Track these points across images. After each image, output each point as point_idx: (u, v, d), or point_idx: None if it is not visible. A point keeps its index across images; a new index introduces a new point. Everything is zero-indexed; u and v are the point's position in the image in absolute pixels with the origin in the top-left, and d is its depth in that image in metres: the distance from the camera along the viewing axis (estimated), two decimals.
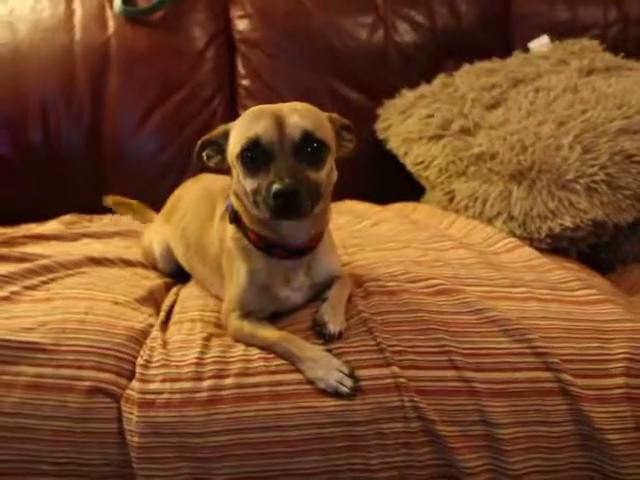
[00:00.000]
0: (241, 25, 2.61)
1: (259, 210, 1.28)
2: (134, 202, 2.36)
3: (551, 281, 1.58)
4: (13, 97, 2.47)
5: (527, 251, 1.75)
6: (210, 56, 2.58)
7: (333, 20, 2.60)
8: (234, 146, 1.30)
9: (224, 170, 1.45)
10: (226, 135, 1.36)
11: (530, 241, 1.81)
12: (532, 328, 1.37)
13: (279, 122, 1.24)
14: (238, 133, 1.30)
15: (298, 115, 1.26)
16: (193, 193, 1.80)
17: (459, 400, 1.27)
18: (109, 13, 2.54)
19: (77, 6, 2.54)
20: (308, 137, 1.25)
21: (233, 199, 1.41)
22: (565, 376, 1.29)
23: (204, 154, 1.41)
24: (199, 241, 1.63)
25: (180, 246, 1.75)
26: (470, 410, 1.26)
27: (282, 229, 1.36)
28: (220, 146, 1.38)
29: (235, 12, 2.63)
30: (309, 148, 1.26)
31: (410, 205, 2.31)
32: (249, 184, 1.28)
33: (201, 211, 1.66)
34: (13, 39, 2.50)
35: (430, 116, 2.28)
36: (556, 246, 1.81)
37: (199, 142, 1.40)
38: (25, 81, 2.47)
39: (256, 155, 1.25)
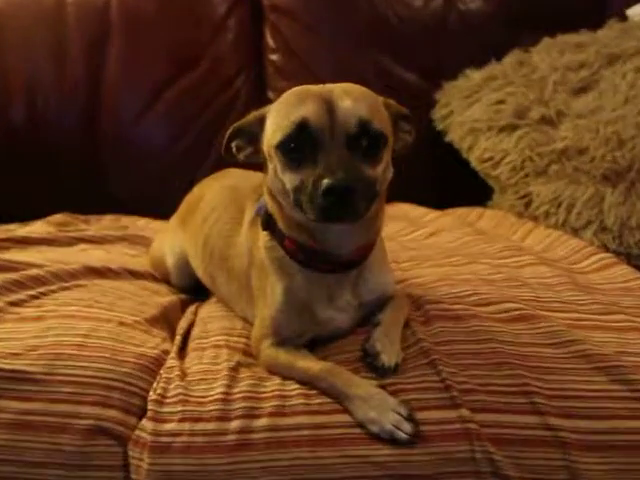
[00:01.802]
0: None
1: (302, 211, 1.27)
2: None
3: None
4: None
5: (624, 270, 1.74)
6: (232, 24, 2.62)
7: None
8: (273, 133, 1.30)
9: (255, 165, 1.46)
10: (261, 122, 1.36)
11: (627, 257, 1.81)
12: (634, 366, 1.35)
13: (329, 106, 1.24)
14: (278, 118, 1.30)
15: (351, 99, 1.26)
16: (216, 193, 1.80)
17: (543, 452, 1.25)
18: None
19: None
20: (364, 127, 1.25)
21: (267, 199, 1.42)
22: None
23: (233, 145, 1.41)
24: (223, 252, 1.65)
25: (199, 257, 1.76)
26: (557, 466, 1.24)
27: (326, 236, 1.36)
28: (253, 135, 1.38)
29: None
30: (365, 139, 1.26)
31: (475, 211, 2.32)
32: (290, 179, 1.27)
33: (227, 215, 1.67)
34: None
35: (501, 102, 2.28)
36: None
37: (230, 129, 1.40)
38: (6, 48, 2.52)
39: (301, 144, 1.25)
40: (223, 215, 1.69)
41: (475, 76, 2.47)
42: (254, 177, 1.57)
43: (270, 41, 2.65)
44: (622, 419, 1.28)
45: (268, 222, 1.43)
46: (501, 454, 1.24)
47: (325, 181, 1.17)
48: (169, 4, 2.59)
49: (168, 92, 2.56)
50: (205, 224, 1.74)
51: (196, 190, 1.96)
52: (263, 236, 1.46)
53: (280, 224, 1.40)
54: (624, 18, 2.47)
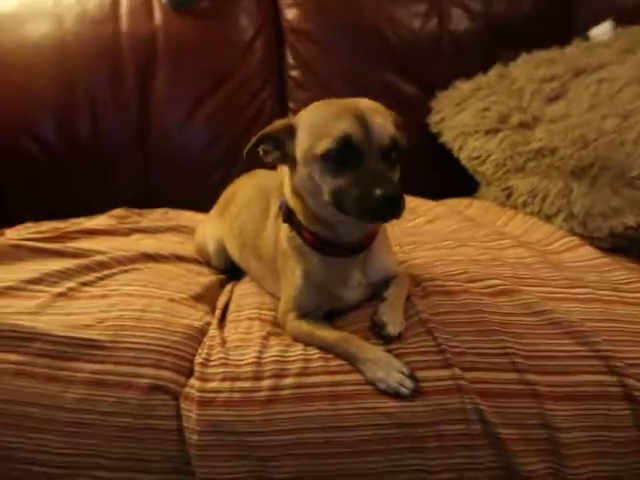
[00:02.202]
0: (290, 14, 2.66)
1: (340, 210, 1.30)
2: None
3: (614, 282, 1.59)
4: (61, 89, 2.55)
5: (588, 250, 1.76)
6: (258, 46, 2.63)
7: (385, 9, 2.63)
8: (313, 143, 1.29)
9: (274, 166, 1.50)
10: (290, 130, 1.36)
11: (591, 240, 1.82)
12: (595, 330, 1.38)
13: (363, 122, 1.27)
14: (318, 130, 1.30)
15: (380, 117, 1.30)
16: (247, 190, 1.83)
17: (521, 403, 1.29)
18: (155, 3, 2.61)
19: None
20: (394, 142, 1.29)
21: (289, 196, 1.44)
22: (630, 380, 1.30)
23: (260, 149, 1.39)
24: (254, 240, 1.68)
25: (235, 244, 1.80)
26: (532, 413, 1.28)
27: (339, 228, 1.40)
28: (280, 142, 1.37)
29: (284, 1, 2.67)
30: (394, 152, 1.30)
31: (465, 201, 2.34)
32: (330, 183, 1.29)
33: (256, 210, 1.69)
34: (60, 31, 2.58)
35: (486, 109, 2.29)
36: (617, 245, 1.80)
37: (257, 136, 1.38)
38: (72, 73, 2.55)
39: (344, 155, 1.26)
40: (253, 209, 1.72)
41: (464, 87, 2.48)
42: (277, 177, 1.58)
43: (290, 60, 2.67)
44: (585, 374, 1.32)
45: (289, 216, 1.46)
46: (486, 405, 1.28)
47: (378, 191, 1.20)
48: (205, 31, 2.61)
49: (205, 105, 2.58)
50: (239, 216, 1.78)
51: (230, 187, 2.00)
52: (284, 228, 1.49)
53: (301, 218, 1.43)
54: (588, 37, 2.49)
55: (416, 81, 2.62)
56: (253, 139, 1.38)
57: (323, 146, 1.27)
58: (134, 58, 2.57)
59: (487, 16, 2.63)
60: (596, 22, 2.52)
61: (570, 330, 1.39)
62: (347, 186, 1.26)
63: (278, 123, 1.38)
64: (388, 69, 2.62)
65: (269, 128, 1.38)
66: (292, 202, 1.44)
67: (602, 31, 2.46)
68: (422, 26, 2.63)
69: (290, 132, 1.36)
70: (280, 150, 1.38)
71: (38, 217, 2.40)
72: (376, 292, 1.51)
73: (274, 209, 1.58)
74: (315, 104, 1.38)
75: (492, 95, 2.34)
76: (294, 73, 2.66)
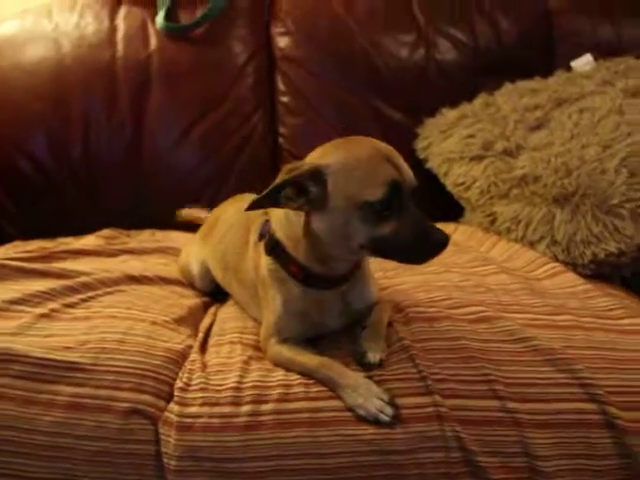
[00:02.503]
0: (282, 42, 2.64)
1: (384, 254, 1.28)
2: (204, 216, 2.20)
3: (596, 309, 1.55)
4: (55, 110, 2.52)
5: (570, 277, 1.73)
6: (250, 72, 2.61)
7: (374, 38, 2.61)
8: (358, 191, 1.21)
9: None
10: (316, 176, 1.24)
11: (573, 266, 1.78)
12: (577, 358, 1.34)
13: (397, 166, 1.24)
14: (359, 175, 1.22)
15: (404, 162, 1.27)
16: (230, 215, 1.78)
17: (501, 431, 1.24)
18: (151, 29, 2.59)
19: (120, 22, 2.60)
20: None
21: (289, 234, 1.36)
22: (611, 409, 1.26)
23: (282, 196, 1.25)
24: (236, 265, 1.63)
25: (218, 267, 1.75)
26: (512, 441, 1.24)
27: (339, 264, 1.37)
28: (302, 187, 1.25)
29: (276, 29, 2.66)
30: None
31: (450, 226, 2.29)
32: (373, 231, 1.23)
33: (237, 236, 1.64)
34: (57, 54, 2.55)
35: (471, 136, 2.27)
36: (600, 272, 1.77)
37: (278, 182, 1.24)
38: (68, 95, 2.52)
39: (391, 202, 1.21)
40: (234, 234, 1.66)
41: (450, 115, 2.46)
42: None
43: (281, 86, 2.65)
44: (566, 402, 1.28)
45: (273, 249, 1.40)
46: (466, 432, 1.23)
47: (438, 237, 1.22)
48: (199, 57, 2.58)
49: (197, 128, 2.55)
50: (222, 240, 1.73)
51: (216, 211, 1.96)
52: (266, 259, 1.43)
53: (297, 254, 1.36)
54: (569, 68, 2.47)
55: (403, 108, 2.60)
56: (271, 187, 1.23)
57: (373, 194, 1.20)
58: (129, 81, 2.54)
59: (473, 46, 2.60)
60: (578, 54, 2.50)
61: (551, 357, 1.34)
62: (392, 233, 1.22)
63: (301, 169, 1.24)
64: (376, 96, 2.59)
65: (294, 174, 1.23)
66: (292, 240, 1.36)
67: (583, 62, 2.45)
68: (409, 55, 2.60)
69: (316, 178, 1.24)
70: (304, 197, 1.26)
71: (28, 235, 2.35)
72: (358, 319, 1.46)
73: (254, 237, 1.52)
74: (335, 146, 1.30)
75: (477, 123, 2.31)
76: (285, 99, 2.64)
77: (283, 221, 1.38)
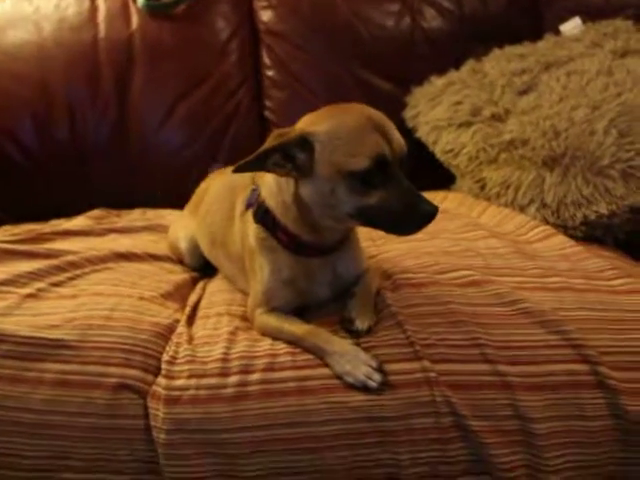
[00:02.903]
0: (265, 16, 2.60)
1: (372, 224, 1.27)
2: None
3: (586, 270, 1.53)
4: (39, 94, 2.48)
5: (561, 239, 1.71)
6: (234, 48, 2.57)
7: (359, 9, 2.57)
8: (343, 160, 1.20)
9: None
10: (303, 143, 1.23)
11: (564, 229, 1.77)
12: (567, 319, 1.33)
13: (387, 137, 1.21)
14: (345, 144, 1.20)
15: (396, 131, 1.25)
16: (217, 187, 1.75)
17: (492, 394, 1.23)
18: (132, 9, 2.55)
19: (101, 3, 2.55)
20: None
21: (279, 202, 1.34)
22: (602, 369, 1.25)
23: (270, 163, 1.24)
24: (223, 238, 1.61)
25: (205, 242, 1.73)
26: (504, 404, 1.23)
27: (329, 234, 1.36)
28: (289, 154, 1.24)
29: (259, 3, 2.62)
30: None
31: (440, 194, 2.27)
32: (359, 201, 1.22)
33: (224, 208, 1.62)
34: (39, 37, 2.51)
35: (459, 103, 2.24)
36: (591, 234, 1.76)
37: (266, 148, 1.23)
38: (51, 78, 2.48)
39: (376, 173, 1.19)
40: (220, 207, 1.64)
41: (438, 82, 2.42)
42: (246, 175, 1.45)
43: (266, 59, 2.61)
44: (557, 363, 1.27)
45: (262, 217, 1.38)
46: (457, 397, 1.22)
47: (425, 207, 1.20)
48: (182, 35, 2.54)
49: (183, 105, 2.52)
50: (208, 214, 1.70)
51: (203, 184, 1.93)
52: (254, 228, 1.41)
53: (287, 222, 1.34)
54: (558, 33, 2.43)
55: (391, 78, 2.56)
56: (258, 152, 1.23)
57: (357, 164, 1.19)
58: (112, 62, 2.50)
59: (459, 13, 2.56)
60: (566, 18, 2.46)
61: (542, 319, 1.33)
62: (379, 203, 1.21)
63: (287, 136, 1.24)
64: (363, 67, 2.55)
65: (281, 140, 1.23)
66: (282, 207, 1.34)
67: (572, 26, 2.41)
68: (395, 24, 2.56)
69: (303, 145, 1.23)
70: (291, 163, 1.25)
71: (17, 220, 2.32)
72: (347, 287, 1.44)
73: (240, 207, 1.50)
74: (325, 113, 1.28)
75: (465, 89, 2.28)
76: (270, 73, 2.60)
77: (273, 188, 1.36)
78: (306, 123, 1.27)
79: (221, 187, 1.72)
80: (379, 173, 1.20)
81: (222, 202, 1.65)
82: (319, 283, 1.42)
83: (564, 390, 1.24)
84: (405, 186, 1.21)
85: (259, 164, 1.24)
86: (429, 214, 1.20)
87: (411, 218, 1.22)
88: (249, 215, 1.42)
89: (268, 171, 1.26)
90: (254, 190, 1.43)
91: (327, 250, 1.39)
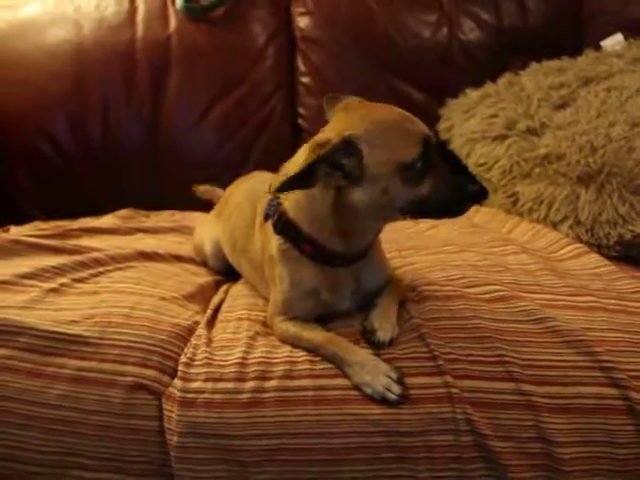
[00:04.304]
0: (302, 22, 2.61)
1: (425, 214, 1.27)
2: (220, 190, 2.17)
3: (619, 291, 1.47)
4: (76, 92, 2.51)
5: (594, 258, 1.65)
6: (270, 53, 2.58)
7: (396, 18, 2.56)
8: (393, 155, 1.18)
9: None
10: (349, 147, 1.18)
11: (598, 248, 1.71)
12: (597, 340, 1.28)
13: (420, 125, 1.23)
14: (391, 139, 1.19)
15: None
16: (241, 193, 1.73)
17: (515, 414, 1.19)
18: (171, 10, 2.57)
19: (140, 3, 2.58)
20: None
21: (308, 214, 1.30)
22: (633, 394, 1.19)
23: (321, 173, 1.17)
24: (244, 245, 1.58)
25: (228, 246, 1.71)
26: (527, 426, 1.18)
27: (360, 240, 1.32)
28: (336, 162, 1.18)
29: (296, 9, 2.63)
30: None
31: (472, 208, 2.22)
32: (414, 192, 1.20)
33: (245, 215, 1.59)
34: (78, 36, 2.55)
35: (494, 116, 2.20)
36: (626, 254, 1.69)
37: (314, 160, 1.15)
38: (88, 76, 2.51)
39: (426, 160, 1.19)
40: (242, 214, 1.61)
41: (473, 95, 2.39)
42: (269, 180, 1.38)
43: (301, 66, 2.61)
44: (584, 386, 1.21)
45: (284, 229, 1.34)
46: (478, 415, 1.18)
47: (474, 187, 1.25)
48: (219, 37, 2.56)
49: (217, 108, 2.53)
50: (231, 220, 1.68)
51: (229, 189, 1.91)
52: (276, 239, 1.37)
53: (321, 235, 1.30)
54: (599, 47, 2.38)
55: (426, 89, 2.55)
56: (303, 167, 1.16)
57: (409, 154, 1.18)
58: (148, 63, 2.52)
59: (498, 26, 2.54)
60: (608, 33, 2.41)
61: (570, 339, 1.27)
62: (431, 190, 1.20)
63: (333, 143, 1.17)
64: (398, 77, 2.55)
65: (325, 150, 1.16)
66: (310, 218, 1.30)
67: (614, 42, 2.36)
68: (432, 35, 2.55)
69: (350, 149, 1.18)
70: (340, 171, 1.19)
71: (49, 216, 2.34)
72: (369, 301, 1.40)
73: (260, 216, 1.46)
74: (355, 116, 1.24)
75: (500, 102, 2.24)
76: (305, 79, 2.60)
77: (302, 202, 1.30)
78: (341, 128, 1.21)
79: (244, 193, 1.70)
80: (427, 159, 1.19)
81: (244, 209, 1.62)
82: (342, 294, 1.38)
83: (591, 414, 1.19)
84: (447, 168, 1.23)
85: (307, 179, 1.17)
86: (476, 194, 1.24)
87: (460, 200, 1.25)
88: (269, 225, 1.39)
89: (313, 185, 1.19)
90: (272, 200, 1.39)
91: (354, 259, 1.35)
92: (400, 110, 1.25)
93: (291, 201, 1.33)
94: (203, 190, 2.31)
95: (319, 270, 1.34)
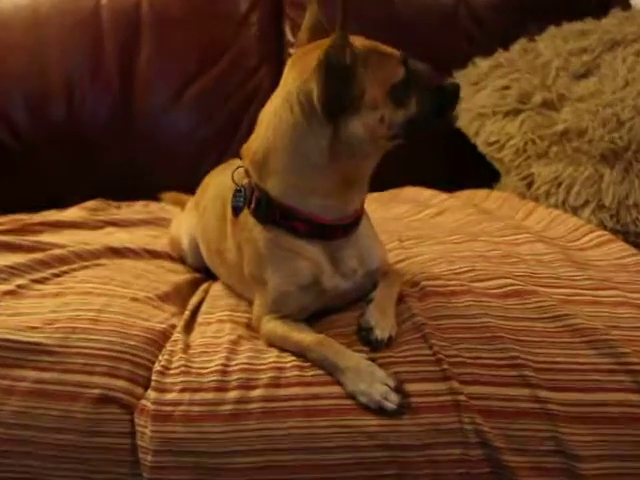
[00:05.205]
0: None
1: (419, 127, 1.31)
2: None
3: None
4: (33, 68, 2.51)
5: (619, 246, 1.66)
6: (254, 20, 2.58)
7: None
8: (383, 78, 1.25)
9: None
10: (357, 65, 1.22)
11: (624, 235, 1.74)
12: (624, 340, 1.27)
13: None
14: (378, 62, 1.26)
15: None
16: (214, 186, 1.72)
17: (531, 424, 1.18)
18: None
19: None
20: None
21: (301, 178, 1.31)
22: None
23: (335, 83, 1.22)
24: (217, 245, 1.58)
25: (203, 246, 1.72)
26: (544, 437, 1.18)
27: (356, 193, 1.36)
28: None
29: None
30: None
31: (482, 192, 2.26)
32: (403, 114, 1.27)
33: (216, 212, 1.59)
34: (33, 1, 2.53)
35: (506, 88, 2.22)
36: None
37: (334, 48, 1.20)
38: (46, 49, 2.51)
39: (409, 80, 1.29)
40: (214, 212, 1.61)
41: (483, 64, 2.40)
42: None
43: (290, 36, 2.60)
44: (609, 392, 1.21)
45: (270, 214, 1.34)
46: (489, 425, 1.17)
47: (452, 83, 1.42)
48: (195, 3, 2.56)
49: (195, 84, 2.52)
50: (204, 217, 1.69)
51: (206, 179, 1.89)
52: (259, 231, 1.37)
53: (318, 199, 1.32)
54: (628, 6, 2.38)
55: (430, 58, 2.42)
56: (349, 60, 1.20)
57: (397, 74, 1.28)
58: (115, 32, 2.52)
59: None
60: None
61: (593, 339, 1.27)
62: (419, 105, 1.29)
63: (348, 51, 1.21)
64: (397, 44, 2.47)
65: (350, 52, 1.21)
66: (307, 183, 1.31)
67: None
68: None
69: (355, 69, 1.22)
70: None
71: (6, 209, 2.31)
72: (366, 289, 1.43)
73: (229, 213, 1.46)
74: (333, 43, 1.23)
75: (513, 72, 2.25)
76: (294, 50, 2.55)
77: (287, 173, 1.31)
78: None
79: (216, 186, 1.68)
80: (410, 77, 1.29)
81: (215, 205, 1.61)
82: (343, 275, 1.39)
83: (617, 424, 1.19)
84: (423, 70, 1.35)
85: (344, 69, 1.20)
86: (453, 88, 1.38)
87: (445, 104, 1.36)
88: (244, 220, 1.39)
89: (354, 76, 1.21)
90: (238, 191, 1.40)
91: (350, 226, 1.37)
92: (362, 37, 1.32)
93: (274, 179, 1.33)
94: (171, 197, 2.34)
95: (319, 249, 1.36)
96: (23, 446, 1.21)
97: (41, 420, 1.22)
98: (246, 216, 1.38)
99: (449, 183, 2.37)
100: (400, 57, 1.30)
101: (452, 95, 1.36)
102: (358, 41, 1.28)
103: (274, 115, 1.31)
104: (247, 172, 1.39)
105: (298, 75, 1.28)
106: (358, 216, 1.39)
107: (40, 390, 1.24)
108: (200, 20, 2.54)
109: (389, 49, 1.31)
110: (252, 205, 1.36)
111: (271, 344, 1.35)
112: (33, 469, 1.21)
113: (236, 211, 1.40)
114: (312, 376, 1.24)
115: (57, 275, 1.61)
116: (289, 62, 1.38)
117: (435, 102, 1.32)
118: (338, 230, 1.36)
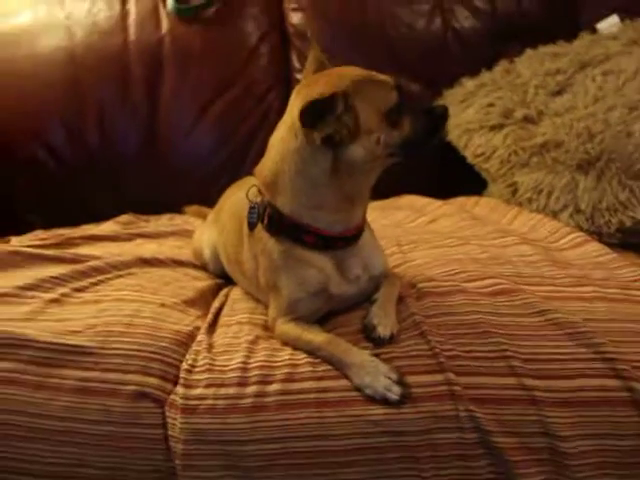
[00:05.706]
0: (295, 18, 2.59)
1: (414, 147, 1.30)
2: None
3: (621, 279, 1.47)
4: (71, 100, 2.51)
5: (595, 246, 1.65)
6: (264, 51, 2.57)
7: (389, 10, 2.55)
8: (379, 104, 1.24)
9: None
10: (346, 101, 1.20)
11: (599, 236, 1.71)
12: (600, 331, 1.27)
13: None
14: (371, 90, 1.25)
15: None
16: (231, 204, 1.70)
17: (519, 410, 1.18)
18: (162, 12, 2.56)
19: (132, 6, 2.57)
20: None
21: (306, 196, 1.30)
22: (637, 385, 1.19)
23: (330, 123, 1.20)
24: (236, 257, 1.58)
25: (223, 256, 1.71)
26: (531, 420, 1.17)
27: (358, 206, 1.35)
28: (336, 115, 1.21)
29: (288, 5, 2.61)
30: None
31: (472, 199, 2.23)
32: (398, 136, 1.27)
33: (235, 227, 1.58)
34: (70, 43, 2.54)
35: (491, 105, 2.20)
36: (627, 241, 1.70)
37: (313, 103, 1.17)
38: (82, 83, 2.51)
39: (402, 103, 1.27)
40: (232, 226, 1.60)
41: (469, 84, 2.38)
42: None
43: (296, 63, 2.60)
44: (587, 378, 1.21)
45: (282, 228, 1.34)
46: (481, 412, 1.17)
47: (439, 109, 1.36)
48: (211, 37, 2.55)
49: (212, 109, 2.52)
50: (224, 229, 1.68)
51: (228, 191, 1.88)
52: (272, 243, 1.36)
53: (323, 215, 1.31)
54: (594, 31, 2.36)
55: (421, 79, 2.51)
56: (323, 102, 1.18)
57: (391, 99, 1.27)
58: (142, 66, 2.52)
59: (492, 13, 2.51)
60: (603, 16, 2.38)
61: (572, 331, 1.27)
62: (412, 126, 1.28)
63: (330, 95, 1.18)
64: (393, 68, 2.39)
65: (322, 98, 1.18)
66: (312, 200, 1.30)
67: (609, 24, 2.33)
68: (426, 25, 2.52)
69: (346, 102, 1.21)
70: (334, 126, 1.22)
71: (49, 224, 2.33)
72: (370, 292, 1.41)
73: (245, 227, 1.45)
74: (327, 79, 1.27)
75: (496, 91, 2.23)
76: (300, 76, 2.53)
77: (296, 190, 1.30)
78: (322, 90, 1.21)
79: (233, 204, 1.67)
80: (402, 101, 1.28)
81: (233, 220, 1.61)
82: (349, 281, 1.38)
83: (595, 407, 1.18)
84: (415, 93, 1.44)
85: (328, 108, 1.19)
86: (442, 110, 1.35)
87: (435, 125, 1.35)
88: (258, 233, 1.39)
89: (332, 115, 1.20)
90: (252, 208, 1.40)
91: (354, 236, 1.37)
92: (360, 68, 1.32)
93: (283, 198, 1.32)
94: (193, 211, 2.34)
95: (326, 259, 1.35)
96: (71, 437, 1.22)
97: (85, 414, 1.23)
98: (260, 230, 1.38)
99: (442, 191, 2.35)
100: (393, 83, 1.28)
101: (441, 116, 1.35)
102: (353, 71, 1.28)
103: (281, 141, 1.32)
104: (260, 191, 1.38)
105: (301, 104, 1.26)
106: (361, 228, 1.38)
107: (83, 388, 1.25)
108: (216, 53, 2.54)
109: (382, 76, 1.29)
110: (265, 221, 1.35)
111: (285, 343, 1.35)
112: (79, 456, 1.22)
113: (251, 226, 1.40)
114: (323, 371, 1.24)
115: (95, 284, 1.61)
116: (295, 91, 1.36)
117: (427, 123, 1.31)
118: (343, 241, 1.35)
